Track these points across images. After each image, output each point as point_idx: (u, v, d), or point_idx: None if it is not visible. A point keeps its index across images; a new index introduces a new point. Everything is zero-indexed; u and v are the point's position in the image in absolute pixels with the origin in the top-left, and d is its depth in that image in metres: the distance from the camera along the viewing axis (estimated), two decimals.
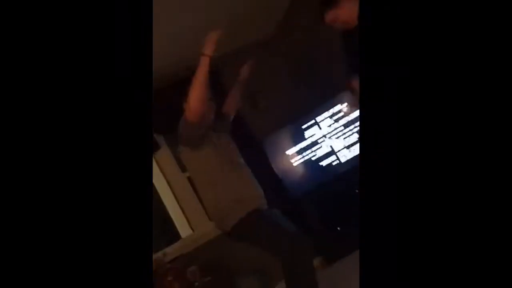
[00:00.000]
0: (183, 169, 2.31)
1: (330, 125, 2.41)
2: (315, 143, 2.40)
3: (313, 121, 2.39)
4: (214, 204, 1.52)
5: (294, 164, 2.40)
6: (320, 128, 2.40)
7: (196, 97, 1.31)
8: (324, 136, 2.40)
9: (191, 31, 1.89)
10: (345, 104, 2.37)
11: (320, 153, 2.41)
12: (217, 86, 2.23)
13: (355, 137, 2.36)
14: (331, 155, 2.41)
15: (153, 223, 2.20)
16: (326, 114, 2.39)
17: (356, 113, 2.34)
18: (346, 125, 2.39)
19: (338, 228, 2.31)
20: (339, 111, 2.40)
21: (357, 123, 2.37)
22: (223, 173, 1.48)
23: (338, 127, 2.41)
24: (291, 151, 2.41)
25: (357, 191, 2.25)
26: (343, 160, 2.38)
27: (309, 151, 2.42)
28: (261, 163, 2.25)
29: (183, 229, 2.40)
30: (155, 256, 2.18)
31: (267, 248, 1.48)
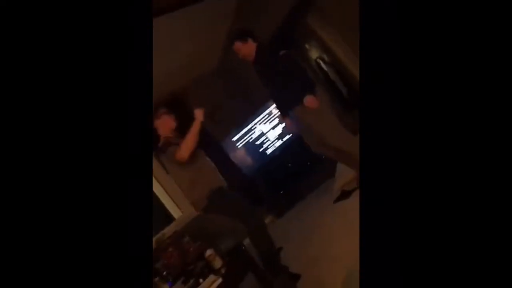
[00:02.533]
0: (167, 171, 2.95)
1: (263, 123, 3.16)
2: (261, 141, 3.16)
3: (251, 125, 3.16)
4: (190, 191, 1.93)
5: (245, 156, 3.15)
6: (254, 128, 3.17)
7: (188, 150, 1.76)
8: (264, 135, 3.17)
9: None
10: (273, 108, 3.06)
11: (256, 141, 3.20)
12: (180, 107, 2.90)
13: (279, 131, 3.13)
14: (266, 141, 3.20)
15: (154, 211, 2.83)
16: (258, 119, 3.15)
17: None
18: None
19: (281, 192, 3.10)
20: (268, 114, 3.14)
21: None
22: (194, 170, 1.85)
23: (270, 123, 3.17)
24: (241, 147, 3.16)
25: (289, 164, 3.07)
26: (277, 145, 3.17)
27: (252, 142, 3.18)
28: (222, 157, 2.98)
29: (175, 212, 3.03)
30: (157, 236, 2.65)
31: (233, 216, 1.90)
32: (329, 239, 1.95)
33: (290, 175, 3.03)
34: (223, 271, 1.96)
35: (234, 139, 3.20)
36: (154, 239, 2.62)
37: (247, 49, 1.97)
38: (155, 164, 2.90)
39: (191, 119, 2.34)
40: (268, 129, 3.19)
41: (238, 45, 1.98)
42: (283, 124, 3.08)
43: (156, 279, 2.32)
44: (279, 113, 2.43)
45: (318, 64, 2.64)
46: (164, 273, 2.32)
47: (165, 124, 1.97)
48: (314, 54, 2.63)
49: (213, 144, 2.99)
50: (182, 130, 1.96)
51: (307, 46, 2.63)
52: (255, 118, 3.17)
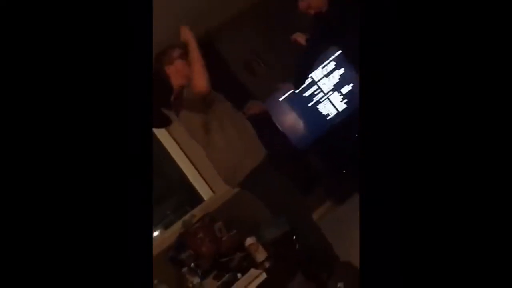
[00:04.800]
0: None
1: (324, 81, 3.23)
2: (312, 97, 3.25)
3: (309, 79, 3.19)
4: (220, 163, 2.05)
5: (296, 120, 3.25)
6: (317, 84, 3.24)
7: (201, 72, 1.82)
8: (321, 90, 3.24)
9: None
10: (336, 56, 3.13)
11: (318, 107, 3.26)
12: (213, 55, 3.00)
13: (347, 88, 3.20)
14: (328, 107, 3.25)
15: (177, 190, 3.08)
16: (319, 70, 3.19)
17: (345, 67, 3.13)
18: (339, 79, 3.20)
19: (343, 171, 3.19)
20: (331, 66, 3.19)
21: (348, 76, 3.19)
22: (224, 133, 1.95)
23: (331, 81, 3.23)
24: (291, 109, 3.25)
25: (356, 135, 3.07)
26: (340, 109, 3.23)
27: (308, 106, 3.26)
28: (265, 123, 3.01)
29: (205, 192, 3.23)
30: (184, 218, 2.87)
31: (269, 203, 2.06)
32: None
33: (355, 149, 3.07)
34: (267, 265, 2.10)
35: (281, 99, 3.27)
36: (181, 221, 2.86)
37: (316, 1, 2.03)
38: (180, 129, 3.06)
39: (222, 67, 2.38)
40: (329, 88, 3.26)
41: (305, 3, 2.04)
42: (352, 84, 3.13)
43: (184, 269, 2.55)
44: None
45: None
46: (192, 264, 2.56)
47: (178, 71, 2.01)
48: None
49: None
50: None
51: None
52: (310, 72, 3.10)
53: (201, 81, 1.82)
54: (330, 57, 3.18)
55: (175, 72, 2.02)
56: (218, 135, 1.98)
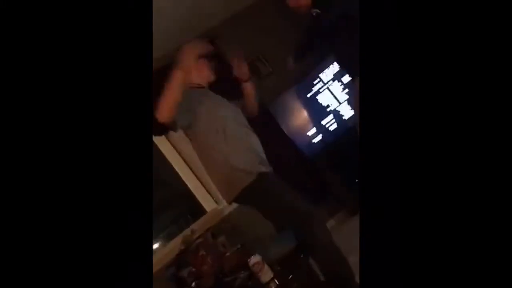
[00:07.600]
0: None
1: (333, 82, 3.07)
2: (329, 105, 3.08)
3: (317, 80, 3.06)
4: (216, 176, 1.89)
5: (303, 124, 3.10)
6: (324, 84, 3.08)
7: (167, 108, 1.61)
8: (330, 91, 3.07)
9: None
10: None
11: (322, 106, 3.10)
12: (218, 53, 2.86)
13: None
14: (337, 111, 3.08)
15: (178, 201, 2.93)
16: (327, 71, 3.02)
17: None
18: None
19: (357, 180, 2.95)
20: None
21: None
22: (218, 145, 1.80)
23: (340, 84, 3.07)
24: (298, 112, 3.11)
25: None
26: (347, 116, 3.06)
27: (316, 109, 3.09)
28: (269, 126, 2.94)
29: (207, 204, 3.12)
30: (183, 234, 2.82)
31: (273, 219, 1.93)
32: None
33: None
34: (273, 286, 1.96)
35: (288, 101, 3.15)
36: (180, 236, 2.87)
37: None
38: (181, 138, 3.03)
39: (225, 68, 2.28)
40: (339, 89, 3.09)
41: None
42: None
43: None
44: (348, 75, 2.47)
45: None
46: (193, 284, 2.54)
47: (201, 72, 1.94)
48: None
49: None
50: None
51: None
52: (319, 72, 3.08)
53: (162, 110, 1.63)
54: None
55: (196, 70, 1.90)
56: (216, 146, 1.82)
